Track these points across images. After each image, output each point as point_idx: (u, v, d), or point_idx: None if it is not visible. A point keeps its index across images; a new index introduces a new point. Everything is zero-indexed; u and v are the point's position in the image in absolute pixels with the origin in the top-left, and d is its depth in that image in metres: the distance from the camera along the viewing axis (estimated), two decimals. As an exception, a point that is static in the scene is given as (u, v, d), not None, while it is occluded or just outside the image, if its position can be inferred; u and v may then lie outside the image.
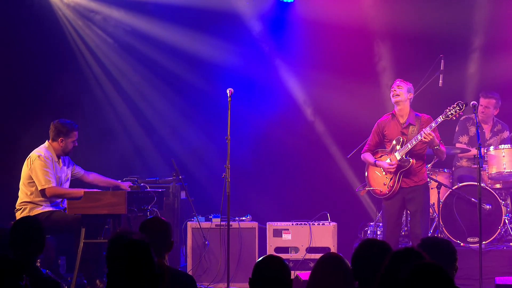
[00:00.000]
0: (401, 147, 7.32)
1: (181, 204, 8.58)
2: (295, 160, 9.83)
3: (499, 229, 8.16)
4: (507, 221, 8.21)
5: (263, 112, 9.67)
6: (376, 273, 3.56)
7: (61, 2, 9.54)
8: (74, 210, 7.20)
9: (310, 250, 8.22)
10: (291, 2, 9.67)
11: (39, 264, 7.14)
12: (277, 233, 8.30)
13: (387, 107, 8.66)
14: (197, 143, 9.73)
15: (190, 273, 7.88)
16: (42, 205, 7.47)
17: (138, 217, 7.40)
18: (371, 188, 7.56)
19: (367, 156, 7.57)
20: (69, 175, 7.76)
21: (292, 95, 9.78)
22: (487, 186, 8.28)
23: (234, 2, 9.57)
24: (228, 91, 7.43)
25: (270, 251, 8.20)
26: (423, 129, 7.12)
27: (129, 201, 7.19)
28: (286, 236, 8.28)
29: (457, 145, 8.79)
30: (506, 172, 8.29)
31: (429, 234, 7.83)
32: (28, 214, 7.33)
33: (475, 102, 7.39)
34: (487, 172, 8.41)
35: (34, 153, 7.54)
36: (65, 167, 7.71)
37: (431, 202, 8.10)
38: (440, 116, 7.16)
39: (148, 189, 7.66)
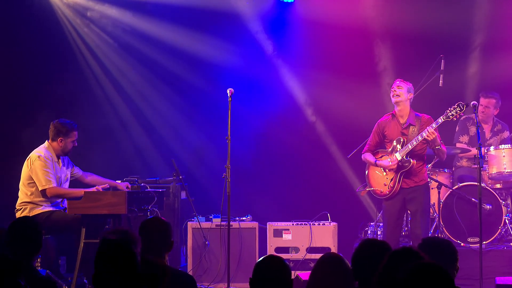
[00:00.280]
0: (401, 148, 7.31)
1: (182, 204, 8.57)
2: (296, 160, 9.81)
3: (500, 229, 8.15)
4: (507, 221, 8.20)
5: (263, 112, 9.66)
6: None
7: (61, 1, 9.53)
8: (74, 210, 7.20)
9: (311, 250, 8.21)
10: (291, 2, 9.66)
11: (39, 265, 7.15)
12: (278, 233, 8.29)
13: (387, 107, 8.65)
14: (198, 143, 9.72)
15: (190, 273, 7.87)
16: (42, 205, 7.46)
17: (139, 217, 7.40)
18: (372, 188, 7.55)
19: (368, 156, 7.56)
20: (69, 176, 7.75)
21: (292, 95, 9.77)
22: (488, 186, 8.28)
23: (234, 2, 9.56)
24: (228, 91, 7.42)
25: (270, 251, 8.20)
26: (427, 128, 7.11)
27: (129, 201, 7.19)
28: (287, 236, 8.27)
29: (458, 145, 8.78)
30: (507, 172, 8.28)
31: (430, 234, 7.82)
32: (28, 214, 7.32)
33: (475, 102, 7.38)
34: (488, 172, 8.39)
35: (34, 154, 7.53)
36: (65, 168, 7.70)
37: (432, 202, 8.10)
38: (441, 117, 7.15)
39: (149, 189, 7.66)
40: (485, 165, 8.31)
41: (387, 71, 9.40)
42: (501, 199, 8.20)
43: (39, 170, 7.40)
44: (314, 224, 8.30)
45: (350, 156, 8.76)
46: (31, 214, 7.34)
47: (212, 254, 8.20)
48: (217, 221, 8.22)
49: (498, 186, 8.52)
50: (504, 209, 8.16)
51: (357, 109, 9.20)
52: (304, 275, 6.81)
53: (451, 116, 7.12)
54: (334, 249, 8.14)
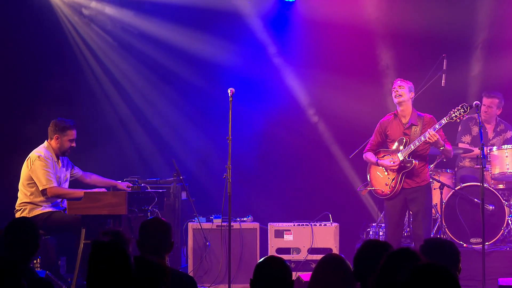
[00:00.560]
0: (404, 148, 7.29)
1: (182, 204, 8.55)
2: (297, 160, 9.79)
3: (502, 230, 8.12)
4: (510, 222, 8.20)
5: (264, 112, 9.64)
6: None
7: (61, 0, 9.51)
8: (74, 211, 7.17)
9: (312, 251, 8.19)
10: (292, 1, 9.63)
11: (38, 265, 7.12)
12: (279, 233, 8.27)
13: (389, 107, 8.64)
14: (198, 143, 9.70)
15: (191, 274, 7.87)
16: (42, 206, 7.43)
17: (139, 218, 7.37)
18: (373, 188, 7.53)
19: (369, 156, 7.54)
20: (68, 176, 7.72)
21: (294, 95, 9.74)
22: (490, 187, 8.25)
23: (235, 1, 9.53)
24: (229, 91, 7.38)
25: (271, 252, 8.18)
26: (428, 130, 7.08)
27: (130, 202, 7.17)
28: (288, 237, 8.25)
29: (460, 145, 8.76)
30: (509, 172, 8.25)
31: (432, 235, 7.80)
32: (28, 215, 7.30)
33: (478, 102, 7.36)
34: (490, 173, 8.37)
35: (34, 154, 7.50)
36: (64, 168, 7.67)
37: (434, 202, 8.10)
38: (444, 118, 7.14)
39: (149, 190, 7.64)
40: (487, 165, 8.28)
41: (389, 71, 9.38)
42: (504, 200, 8.18)
43: (40, 170, 7.36)
44: (316, 225, 8.27)
45: (352, 156, 8.73)
46: (30, 215, 7.32)
47: (213, 255, 8.18)
48: (218, 221, 8.18)
49: (501, 186, 8.50)
50: (507, 209, 8.14)
51: (359, 109, 9.17)
52: (306, 276, 6.79)
53: (454, 118, 7.11)
54: (335, 250, 8.12)
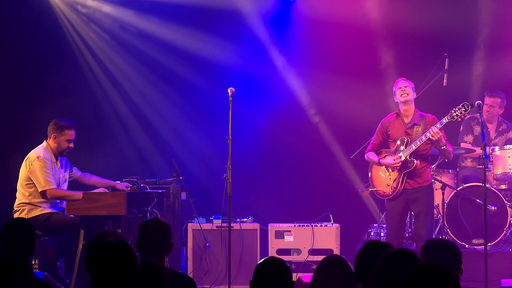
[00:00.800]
0: (405, 148, 7.26)
1: (182, 205, 8.54)
2: (297, 160, 9.78)
3: (505, 231, 8.10)
4: (512, 223, 8.16)
5: (264, 112, 9.62)
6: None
7: (60, 0, 9.49)
8: (73, 211, 7.16)
9: (313, 252, 8.16)
10: (293, 1, 9.61)
11: (36, 267, 7.08)
12: (279, 234, 8.25)
13: (391, 107, 8.61)
14: (198, 143, 9.69)
15: (190, 275, 7.85)
16: (40, 207, 7.40)
17: (138, 218, 7.35)
18: (375, 188, 7.50)
19: (371, 155, 7.52)
20: (67, 177, 7.69)
21: (294, 95, 9.73)
22: (492, 187, 8.23)
23: (236, 0, 9.49)
24: (229, 90, 7.36)
25: (272, 253, 8.16)
26: (432, 127, 7.05)
27: (129, 202, 7.14)
28: (288, 238, 8.23)
29: (462, 144, 8.74)
30: (512, 172, 8.24)
31: (434, 236, 7.78)
32: (26, 216, 7.28)
33: (480, 101, 7.34)
34: (492, 173, 8.35)
35: (32, 154, 7.46)
36: (63, 169, 7.63)
37: (436, 203, 8.07)
38: (445, 117, 7.12)
39: (148, 190, 7.63)
40: (490, 165, 8.27)
41: (390, 70, 9.35)
42: (506, 200, 8.16)
43: (38, 171, 7.33)
44: (316, 226, 8.25)
45: (353, 157, 8.71)
46: (29, 215, 7.30)
47: (213, 256, 8.15)
48: (217, 222, 8.17)
49: (503, 187, 8.49)
50: (509, 210, 8.12)
51: (360, 109, 9.16)
52: (306, 277, 6.77)
53: (455, 117, 7.08)
54: (336, 251, 8.11)
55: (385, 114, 7.64)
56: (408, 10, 9.24)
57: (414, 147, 7.20)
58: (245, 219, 8.34)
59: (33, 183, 7.36)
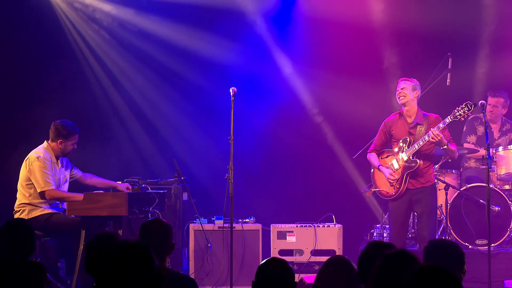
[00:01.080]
0: (408, 148, 7.24)
1: (183, 205, 8.51)
2: (300, 160, 9.76)
3: (508, 231, 8.07)
4: (516, 223, 8.12)
5: (266, 112, 9.60)
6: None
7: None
8: (74, 212, 7.14)
9: (315, 252, 8.15)
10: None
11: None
12: (281, 235, 8.23)
13: (394, 106, 8.57)
14: (200, 143, 9.67)
15: (192, 276, 7.84)
16: (41, 207, 7.38)
17: (139, 219, 7.36)
18: (377, 189, 7.48)
19: (372, 158, 7.52)
20: (68, 177, 7.68)
21: (297, 94, 9.70)
22: (496, 187, 8.19)
23: (238, -2, 9.50)
24: (231, 90, 7.36)
25: (274, 253, 8.14)
26: (431, 129, 7.02)
27: (130, 203, 7.13)
28: (291, 239, 8.21)
29: (465, 145, 8.72)
30: (515, 173, 8.23)
31: (437, 237, 7.80)
32: (26, 216, 7.27)
33: (483, 101, 7.32)
34: (496, 173, 8.33)
35: (32, 154, 7.44)
36: (63, 169, 7.62)
37: (439, 203, 8.06)
38: (448, 116, 7.10)
39: (150, 190, 7.64)
40: (493, 165, 8.25)
41: (394, 70, 9.31)
42: (510, 201, 8.12)
43: (38, 172, 7.31)
44: (319, 226, 8.23)
45: (355, 157, 8.71)
46: (29, 216, 7.29)
47: (215, 256, 8.13)
48: (219, 223, 8.15)
49: (507, 187, 8.45)
50: (513, 210, 8.07)
51: (363, 109, 9.14)
52: (309, 278, 6.76)
53: (458, 116, 7.06)
54: (339, 252, 8.10)
55: (388, 113, 7.63)
56: (411, 9, 9.23)
57: (417, 147, 7.18)
58: (247, 220, 8.31)
59: (33, 183, 7.34)
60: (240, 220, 8.25)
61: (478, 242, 8.03)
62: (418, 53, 9.27)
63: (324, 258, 7.73)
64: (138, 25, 9.55)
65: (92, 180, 7.82)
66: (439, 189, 8.15)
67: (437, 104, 8.26)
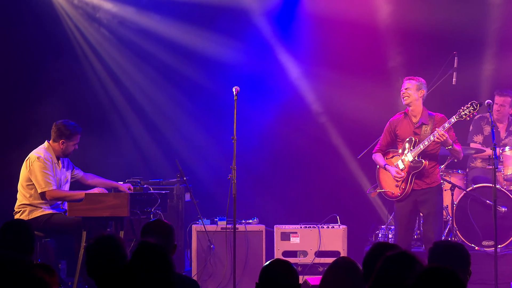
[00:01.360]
0: (413, 148, 7.20)
1: (186, 206, 8.50)
2: (303, 161, 9.74)
3: (515, 232, 8.04)
4: (523, 224, 8.07)
5: (270, 111, 9.59)
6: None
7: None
8: (75, 213, 7.11)
9: (319, 254, 8.11)
10: (299, -2, 9.57)
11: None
12: (285, 236, 8.19)
13: (399, 106, 8.49)
14: (202, 143, 9.67)
15: (195, 277, 7.86)
16: (41, 208, 7.37)
17: (141, 220, 7.33)
18: (383, 190, 7.42)
19: (378, 158, 7.48)
20: (69, 177, 7.66)
21: (300, 94, 9.69)
22: (503, 188, 8.16)
23: (241, -3, 9.47)
24: (234, 90, 7.33)
25: (277, 255, 8.12)
26: (437, 129, 6.96)
27: (132, 203, 7.12)
28: (294, 240, 8.18)
29: (472, 145, 8.70)
30: (522, 173, 8.20)
31: (443, 238, 7.78)
32: (27, 217, 7.26)
33: (490, 100, 7.29)
34: (503, 173, 8.31)
35: (33, 154, 7.42)
36: (64, 169, 7.59)
37: (445, 204, 8.04)
38: (454, 116, 7.05)
39: (152, 191, 7.61)
40: (500, 166, 8.22)
41: (399, 69, 9.28)
42: (516, 201, 8.07)
43: (38, 172, 7.28)
44: (323, 227, 8.20)
45: (360, 157, 8.70)
46: (30, 217, 7.28)
47: (217, 258, 8.09)
48: (222, 224, 8.13)
49: (513, 187, 8.39)
50: (520, 211, 8.04)
51: (367, 108, 9.13)
52: (313, 279, 6.72)
53: (464, 116, 7.00)
54: (343, 253, 8.08)
55: (393, 113, 7.59)
56: (416, 8, 9.22)
57: (422, 147, 7.12)
58: (250, 221, 8.29)
59: (34, 184, 7.29)
60: (243, 221, 8.24)
61: (484, 243, 8.02)
62: (424, 52, 9.25)
63: (328, 260, 7.71)
64: (140, 24, 9.56)
65: (94, 180, 7.79)
66: (445, 190, 8.14)
67: (443, 103, 8.25)
